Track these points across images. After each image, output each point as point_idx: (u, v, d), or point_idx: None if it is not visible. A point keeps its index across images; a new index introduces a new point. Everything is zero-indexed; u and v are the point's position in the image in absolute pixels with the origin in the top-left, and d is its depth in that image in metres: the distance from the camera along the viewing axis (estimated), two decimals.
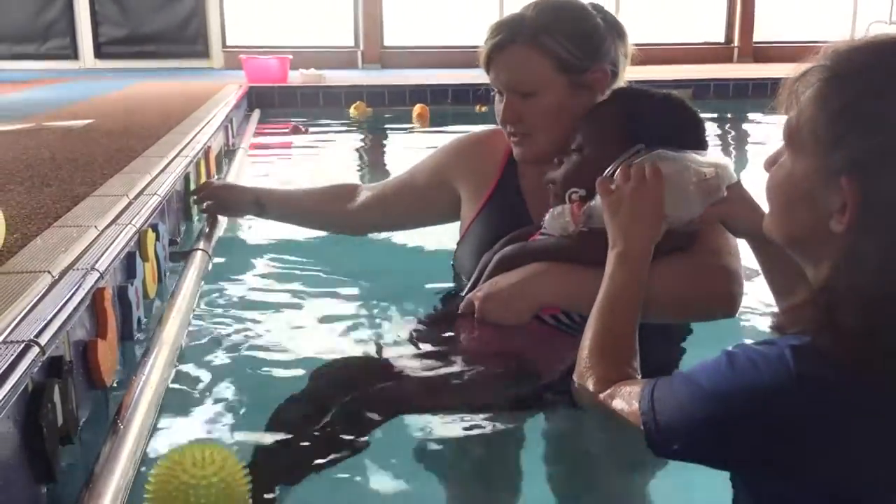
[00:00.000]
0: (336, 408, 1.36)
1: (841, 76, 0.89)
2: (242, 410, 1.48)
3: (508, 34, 1.66)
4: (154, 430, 1.34)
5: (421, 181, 1.98)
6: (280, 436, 1.31)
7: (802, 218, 0.94)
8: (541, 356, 1.50)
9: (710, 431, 0.93)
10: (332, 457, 1.26)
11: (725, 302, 1.51)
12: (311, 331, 1.83)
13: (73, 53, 9.64)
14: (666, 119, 1.56)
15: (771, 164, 1.01)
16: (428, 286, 1.95)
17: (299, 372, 1.58)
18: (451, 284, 1.91)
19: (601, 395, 1.19)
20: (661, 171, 1.38)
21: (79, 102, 4.98)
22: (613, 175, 1.43)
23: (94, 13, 9.60)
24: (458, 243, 1.89)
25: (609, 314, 1.30)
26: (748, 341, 0.96)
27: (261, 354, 1.69)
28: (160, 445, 1.33)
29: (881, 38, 0.92)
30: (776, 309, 1.00)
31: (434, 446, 1.39)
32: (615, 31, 1.72)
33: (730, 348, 0.96)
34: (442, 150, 1.98)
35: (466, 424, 1.39)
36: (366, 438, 1.31)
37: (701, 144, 1.56)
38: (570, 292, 1.51)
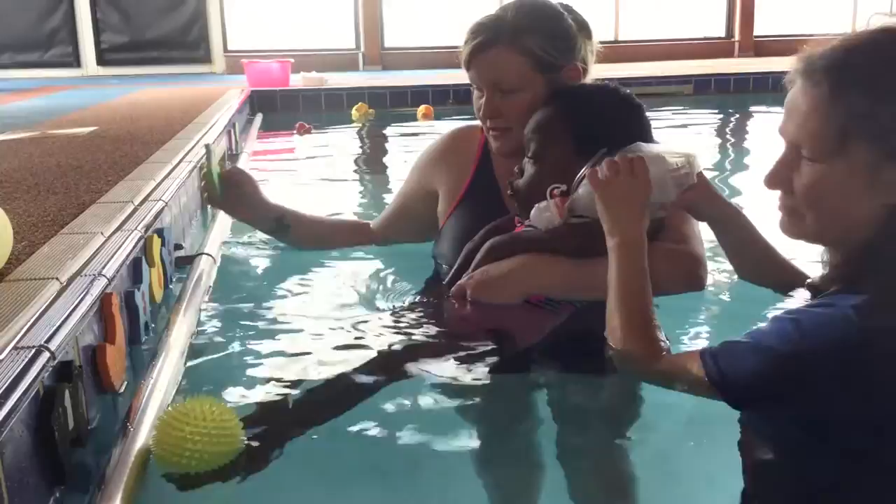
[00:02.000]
0: (336, 381, 1.51)
1: (842, 83, 1.02)
2: (250, 411, 1.49)
3: (490, 35, 1.76)
4: None
5: (412, 201, 2.08)
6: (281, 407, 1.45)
7: (848, 206, 1.05)
8: (523, 330, 1.64)
9: (788, 387, 1.04)
10: (331, 423, 1.38)
11: (693, 284, 1.65)
12: (316, 330, 1.83)
13: (75, 61, 9.69)
14: (608, 111, 1.68)
15: (780, 182, 1.11)
16: (412, 276, 2.02)
17: (307, 372, 1.60)
18: (431, 274, 2.00)
19: (653, 370, 1.31)
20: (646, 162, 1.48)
21: (82, 110, 5.01)
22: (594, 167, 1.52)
23: (95, 20, 9.65)
24: (438, 233, 1.99)
25: (630, 299, 1.38)
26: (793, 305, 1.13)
27: (267, 355, 1.70)
28: None
29: (852, 38, 1.04)
30: (816, 274, 1.15)
31: (425, 411, 1.47)
32: (584, 30, 1.83)
33: (786, 314, 1.07)
34: (419, 162, 2.09)
35: (457, 390, 1.51)
36: (365, 404, 1.43)
37: (644, 128, 1.69)
38: (555, 283, 1.63)
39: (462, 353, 1.58)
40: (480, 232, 1.76)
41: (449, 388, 1.53)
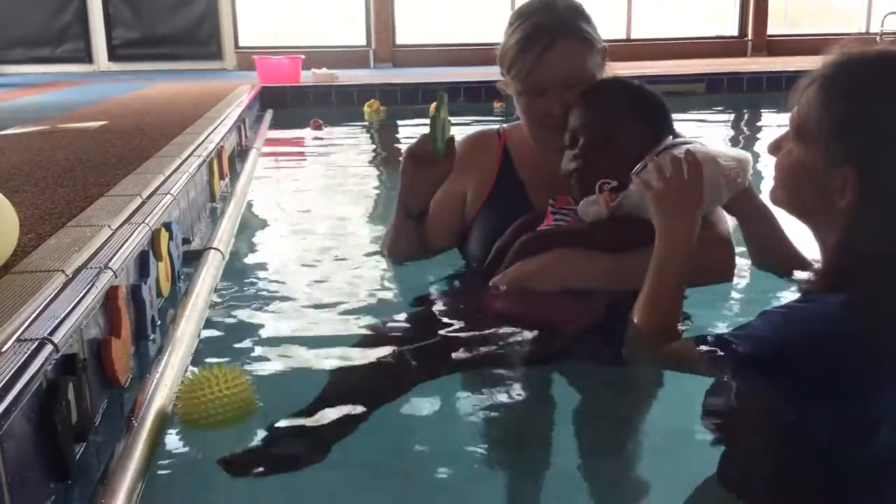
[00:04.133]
0: (375, 372, 1.53)
1: (840, 86, 1.15)
2: (257, 407, 1.48)
3: (553, 32, 1.78)
4: (168, 427, 1.34)
5: (444, 208, 1.96)
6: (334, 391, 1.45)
7: (809, 194, 1.19)
8: (560, 319, 1.67)
9: (774, 372, 1.16)
10: (370, 412, 1.38)
11: (726, 270, 1.72)
12: (328, 326, 1.82)
13: (87, 56, 9.70)
14: (662, 107, 1.77)
15: (775, 148, 1.25)
16: (436, 272, 1.99)
17: (316, 369, 1.59)
18: (454, 271, 1.98)
19: (661, 357, 1.43)
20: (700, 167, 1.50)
21: (93, 105, 5.01)
22: (647, 166, 1.55)
23: (107, 16, 9.65)
24: (465, 233, 1.97)
25: (662, 298, 1.45)
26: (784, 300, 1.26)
27: (276, 352, 1.68)
28: (174, 443, 1.33)
29: (870, 53, 1.16)
30: (805, 275, 1.28)
31: (468, 401, 1.49)
32: None
33: (776, 308, 1.20)
34: None
35: (497, 379, 1.52)
36: (404, 397, 1.44)
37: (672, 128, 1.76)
38: (586, 277, 1.68)
39: (497, 344, 1.60)
40: (510, 228, 1.79)
41: (482, 380, 1.53)
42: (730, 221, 1.80)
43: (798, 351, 1.12)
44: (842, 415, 1.10)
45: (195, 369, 1.44)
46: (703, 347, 1.29)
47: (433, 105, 1.80)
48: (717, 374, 1.28)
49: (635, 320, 1.46)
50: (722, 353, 1.24)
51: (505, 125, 2.03)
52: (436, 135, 1.74)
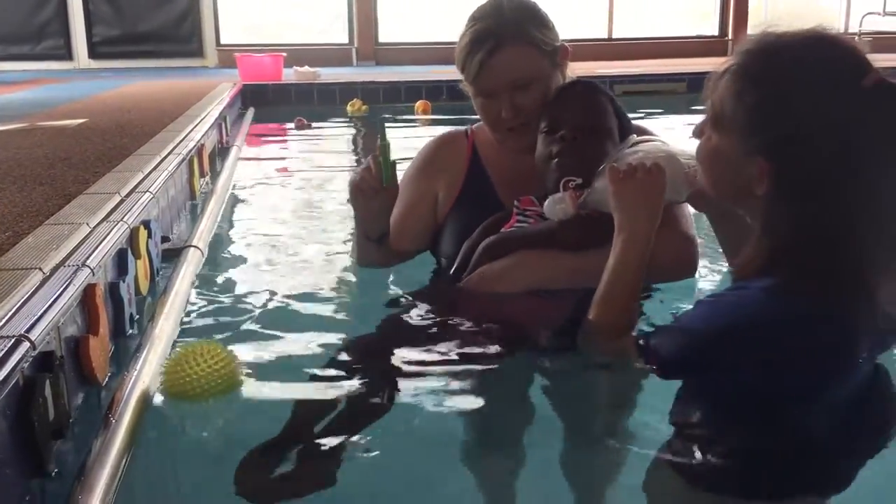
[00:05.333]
0: (352, 379, 1.51)
1: (753, 76, 1.14)
2: (235, 405, 1.48)
3: (498, 37, 1.77)
4: (145, 425, 1.34)
5: (420, 209, 1.97)
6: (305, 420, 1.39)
7: (729, 181, 1.20)
8: (527, 318, 1.69)
9: (708, 360, 1.17)
10: (350, 427, 1.36)
11: (688, 266, 1.74)
12: (306, 325, 1.83)
13: (67, 54, 9.63)
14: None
15: (698, 133, 1.26)
16: (411, 270, 2.00)
17: (294, 368, 1.59)
18: (431, 269, 1.99)
19: (612, 349, 1.45)
20: (662, 164, 1.53)
21: (73, 102, 4.98)
22: (616, 161, 1.59)
23: (87, 13, 9.59)
24: (437, 233, 1.97)
25: (620, 292, 1.46)
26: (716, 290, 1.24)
27: (254, 350, 1.69)
28: (152, 440, 1.34)
29: (786, 38, 1.14)
30: (734, 261, 1.27)
31: (444, 403, 1.48)
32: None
33: (707, 297, 1.23)
34: (414, 172, 2.00)
35: (468, 380, 1.53)
36: (383, 403, 1.44)
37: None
38: (547, 277, 1.70)
39: (469, 346, 1.61)
40: (478, 229, 1.80)
41: (455, 379, 1.53)
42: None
43: (729, 340, 1.13)
44: (777, 403, 1.12)
45: (181, 347, 1.49)
46: (640, 342, 1.30)
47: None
48: (651, 370, 1.29)
49: (592, 313, 1.46)
50: (654, 350, 1.25)
51: (474, 125, 2.02)
52: (386, 163, 1.76)
